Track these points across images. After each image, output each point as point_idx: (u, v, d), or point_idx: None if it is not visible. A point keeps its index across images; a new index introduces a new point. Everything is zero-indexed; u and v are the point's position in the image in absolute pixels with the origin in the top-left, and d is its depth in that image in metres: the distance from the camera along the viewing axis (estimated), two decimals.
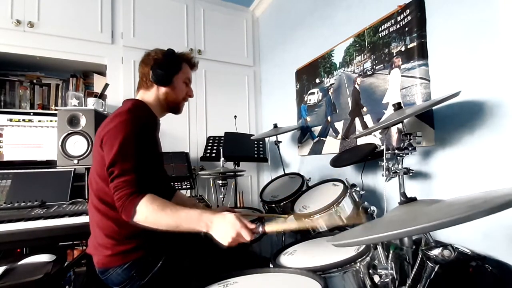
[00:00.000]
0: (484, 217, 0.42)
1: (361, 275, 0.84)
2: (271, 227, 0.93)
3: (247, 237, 0.85)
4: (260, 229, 0.89)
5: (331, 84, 1.85)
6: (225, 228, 0.85)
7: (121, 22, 2.15)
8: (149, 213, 0.83)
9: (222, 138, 2.17)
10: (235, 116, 2.43)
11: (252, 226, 0.87)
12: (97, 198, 0.96)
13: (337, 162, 1.53)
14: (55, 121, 1.70)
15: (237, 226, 0.84)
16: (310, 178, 1.69)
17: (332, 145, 1.81)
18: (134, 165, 0.88)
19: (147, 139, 0.97)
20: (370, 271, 0.85)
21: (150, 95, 1.10)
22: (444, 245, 0.77)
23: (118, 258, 0.92)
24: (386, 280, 0.82)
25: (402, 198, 0.80)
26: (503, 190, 0.53)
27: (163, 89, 1.10)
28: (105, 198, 0.95)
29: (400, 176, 1.14)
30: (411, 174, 1.17)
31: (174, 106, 1.15)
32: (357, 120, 1.62)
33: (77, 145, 1.59)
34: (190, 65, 1.17)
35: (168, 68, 1.08)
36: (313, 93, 2.02)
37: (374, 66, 1.51)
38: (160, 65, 1.06)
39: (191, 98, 1.22)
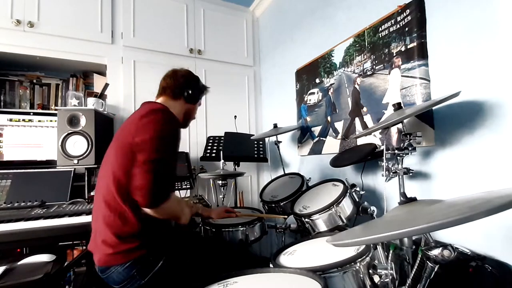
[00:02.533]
0: (484, 218, 0.42)
1: (361, 275, 0.84)
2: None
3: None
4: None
5: (331, 84, 1.85)
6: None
7: (121, 22, 2.15)
8: (168, 207, 1.00)
9: (222, 138, 2.17)
10: (235, 116, 2.43)
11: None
12: (116, 192, 0.95)
13: (337, 162, 1.53)
14: (55, 121, 1.70)
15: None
16: (310, 178, 1.69)
17: (332, 145, 1.81)
18: (170, 163, 1.00)
19: (177, 140, 1.06)
20: (370, 271, 0.85)
21: (174, 105, 1.18)
22: (444, 245, 0.77)
23: (120, 256, 0.93)
24: (386, 280, 0.82)
25: (402, 198, 0.80)
26: (503, 191, 0.53)
27: (188, 106, 1.23)
28: (126, 193, 0.95)
29: (400, 176, 1.14)
30: (411, 174, 1.17)
31: (187, 122, 1.30)
32: (357, 120, 1.62)
33: (77, 145, 1.59)
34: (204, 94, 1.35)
35: (198, 91, 1.27)
36: (313, 93, 2.02)
37: (374, 66, 1.51)
38: (195, 85, 1.24)
39: None
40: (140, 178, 0.92)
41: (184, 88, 1.20)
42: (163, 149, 0.97)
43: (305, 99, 2.10)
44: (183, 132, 2.33)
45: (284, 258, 1.02)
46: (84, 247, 1.72)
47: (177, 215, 1.11)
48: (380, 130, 1.43)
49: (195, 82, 1.25)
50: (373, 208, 1.23)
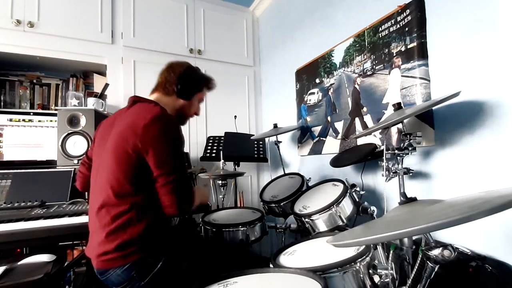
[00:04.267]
0: (485, 217, 0.42)
1: (361, 275, 0.84)
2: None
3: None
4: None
5: (331, 84, 1.85)
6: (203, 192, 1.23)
7: (121, 22, 2.15)
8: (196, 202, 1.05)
9: (222, 138, 2.17)
10: (235, 116, 2.43)
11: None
12: (118, 199, 0.93)
13: (337, 162, 1.53)
14: (55, 121, 1.70)
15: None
16: (310, 178, 1.69)
17: (332, 145, 1.81)
18: (182, 170, 1.01)
19: (183, 141, 1.05)
20: (370, 271, 0.84)
21: (167, 101, 1.14)
22: (444, 245, 0.77)
23: (118, 259, 0.92)
24: (386, 280, 0.82)
25: (402, 198, 0.80)
26: (503, 190, 0.53)
27: (181, 101, 1.17)
28: (128, 200, 0.94)
29: (400, 176, 1.14)
30: (411, 174, 1.17)
31: (182, 118, 1.23)
32: (357, 120, 1.62)
33: (77, 145, 1.59)
34: (208, 87, 1.29)
35: (193, 85, 1.19)
36: (313, 93, 2.02)
37: (374, 66, 1.51)
38: (187, 79, 1.15)
39: None
40: (166, 200, 0.96)
41: (175, 83, 1.13)
42: (178, 162, 0.99)
43: (305, 99, 2.10)
44: (183, 132, 2.34)
45: (284, 258, 1.02)
46: (84, 247, 1.72)
47: (201, 203, 1.15)
48: (380, 130, 1.43)
49: (189, 76, 1.17)
50: (373, 208, 1.23)
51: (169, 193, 0.96)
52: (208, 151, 2.17)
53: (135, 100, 1.09)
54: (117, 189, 0.94)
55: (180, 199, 0.97)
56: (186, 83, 1.15)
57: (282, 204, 1.52)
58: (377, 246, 0.99)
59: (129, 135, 0.95)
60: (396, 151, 1.12)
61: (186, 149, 2.29)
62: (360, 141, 1.60)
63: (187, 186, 1.01)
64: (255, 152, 2.20)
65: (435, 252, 0.77)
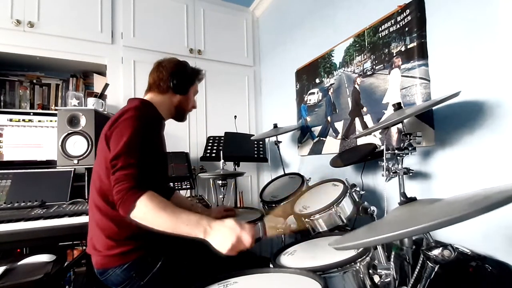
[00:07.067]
0: (484, 214, 0.42)
1: (361, 275, 0.84)
2: (271, 232, 0.94)
3: (247, 242, 0.83)
4: (261, 234, 0.90)
5: (331, 84, 1.85)
6: (224, 234, 0.82)
7: (121, 22, 2.15)
8: (148, 210, 0.81)
9: (222, 138, 2.17)
10: (235, 116, 2.43)
11: (253, 231, 0.87)
12: (100, 196, 0.96)
13: (337, 162, 1.53)
14: (55, 121, 1.70)
15: (237, 230, 0.83)
16: (310, 178, 1.69)
17: (332, 145, 1.81)
18: (138, 160, 0.87)
19: (152, 137, 1.00)
20: (370, 271, 0.84)
21: (161, 99, 1.14)
22: (444, 245, 0.77)
23: (117, 258, 0.92)
24: (386, 280, 0.82)
25: (402, 198, 0.80)
26: (502, 186, 0.52)
27: (178, 97, 1.17)
28: (109, 197, 0.94)
29: (400, 176, 1.14)
30: (411, 174, 1.17)
31: (182, 114, 1.23)
32: (357, 120, 1.62)
33: (77, 145, 1.59)
34: (199, 79, 1.28)
35: (187, 79, 1.18)
36: (313, 93, 2.02)
37: (374, 66, 1.51)
38: (180, 74, 1.15)
39: None
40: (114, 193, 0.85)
41: (169, 80, 1.12)
42: (135, 151, 0.88)
43: (305, 99, 2.10)
44: (183, 132, 2.35)
45: (284, 258, 1.02)
46: (84, 247, 1.72)
47: (167, 230, 0.82)
48: (380, 130, 1.43)
49: (181, 70, 1.16)
50: (373, 208, 1.23)
51: (116, 183, 0.84)
52: (208, 151, 2.17)
53: (128, 100, 1.13)
54: (98, 186, 0.97)
55: (122, 195, 0.81)
56: (180, 78, 1.14)
57: (282, 204, 1.52)
58: (377, 246, 0.99)
59: (104, 131, 0.98)
60: (396, 151, 1.12)
61: (186, 149, 2.29)
62: (360, 141, 1.60)
63: (138, 179, 0.84)
64: (255, 152, 2.20)
65: (435, 252, 0.77)
